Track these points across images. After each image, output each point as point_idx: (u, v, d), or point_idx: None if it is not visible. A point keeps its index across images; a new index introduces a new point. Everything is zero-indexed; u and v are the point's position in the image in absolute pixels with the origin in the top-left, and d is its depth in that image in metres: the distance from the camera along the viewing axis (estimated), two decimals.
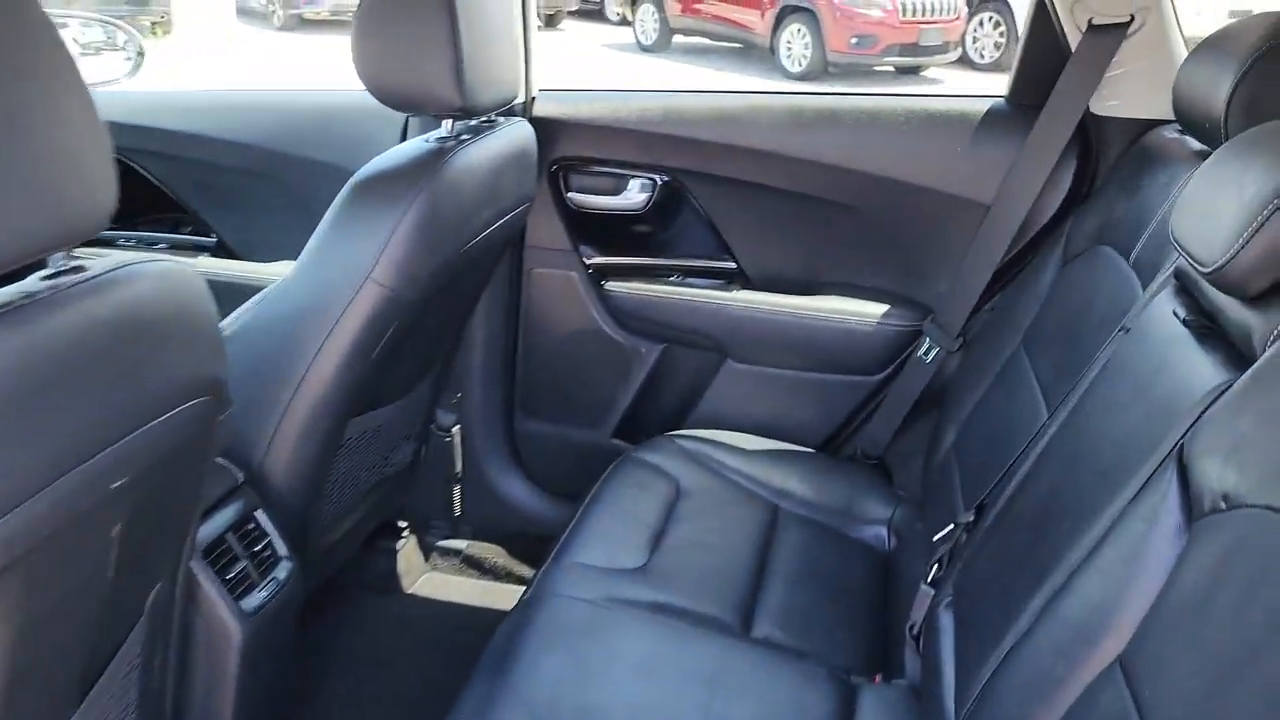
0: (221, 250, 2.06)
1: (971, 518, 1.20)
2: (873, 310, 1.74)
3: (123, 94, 2.10)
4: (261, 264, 1.93)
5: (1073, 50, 1.50)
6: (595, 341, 1.90)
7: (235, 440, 1.28)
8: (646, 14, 10.37)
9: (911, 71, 9.61)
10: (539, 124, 1.68)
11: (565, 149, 1.82)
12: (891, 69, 9.47)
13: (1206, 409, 0.82)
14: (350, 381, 1.31)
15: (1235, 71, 1.08)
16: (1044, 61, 1.58)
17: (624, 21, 11.19)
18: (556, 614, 1.27)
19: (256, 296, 1.33)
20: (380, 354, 1.34)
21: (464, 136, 1.40)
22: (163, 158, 2.04)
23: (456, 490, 2.00)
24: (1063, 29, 1.51)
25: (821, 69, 9.11)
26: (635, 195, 1.87)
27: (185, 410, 0.87)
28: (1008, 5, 9.94)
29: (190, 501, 1.02)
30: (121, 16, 3.02)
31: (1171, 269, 1.07)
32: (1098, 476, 0.93)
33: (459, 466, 1.97)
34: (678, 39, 10.45)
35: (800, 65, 9.26)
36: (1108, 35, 1.46)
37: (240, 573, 1.21)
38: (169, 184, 2.07)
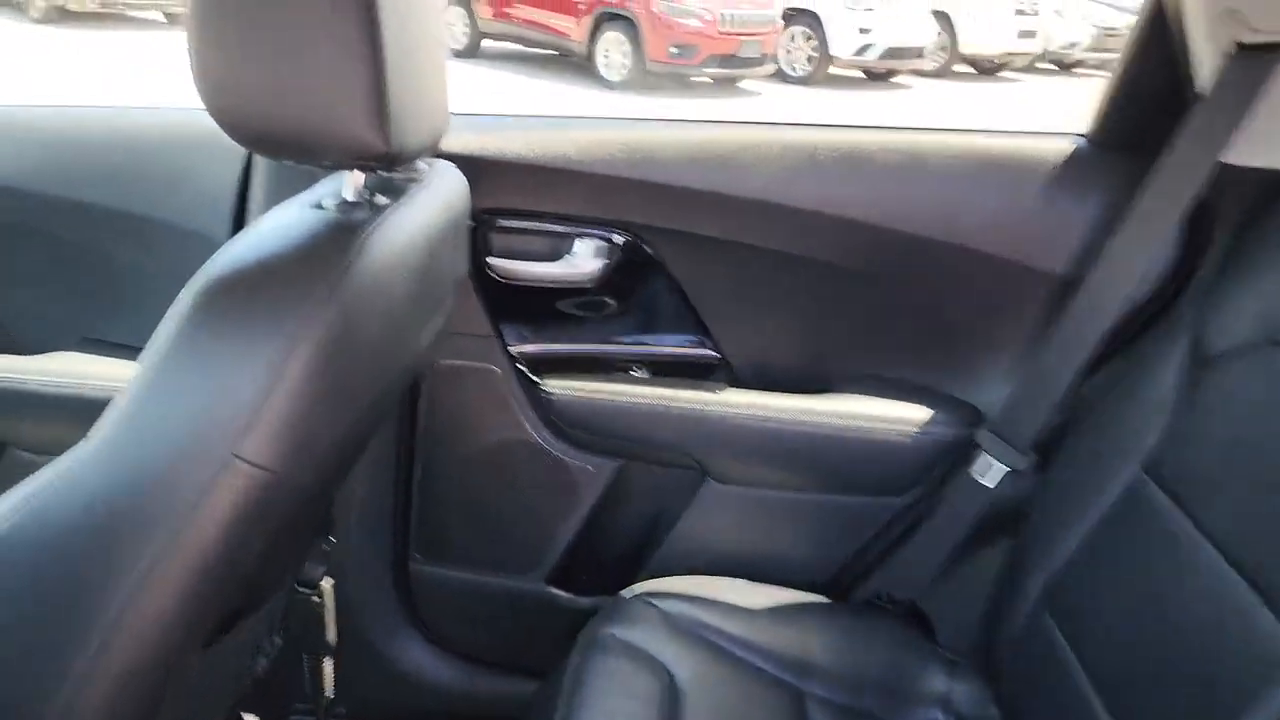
0: None
1: None
2: (905, 414, 1.32)
3: None
4: (29, 359, 1.34)
5: (1204, 80, 1.13)
6: (525, 458, 1.39)
7: None
8: (454, 17, 9.87)
9: (728, 83, 9.65)
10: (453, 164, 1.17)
11: (488, 198, 1.31)
12: (709, 80, 9.46)
13: None
14: (196, 615, 0.77)
15: None
16: (1149, 92, 1.20)
17: None
18: None
19: (31, 485, 0.75)
20: (249, 563, 0.80)
21: (380, 200, 0.87)
22: None
23: (328, 665, 1.45)
24: (1188, 51, 1.13)
25: (642, 79, 8.97)
26: (584, 261, 1.37)
27: None
28: (819, 20, 10.16)
29: None
30: None
31: None
32: None
33: (331, 634, 1.42)
34: (487, 44, 10.01)
35: (621, 74, 9.10)
36: (1257, 60, 1.09)
37: None
38: None
